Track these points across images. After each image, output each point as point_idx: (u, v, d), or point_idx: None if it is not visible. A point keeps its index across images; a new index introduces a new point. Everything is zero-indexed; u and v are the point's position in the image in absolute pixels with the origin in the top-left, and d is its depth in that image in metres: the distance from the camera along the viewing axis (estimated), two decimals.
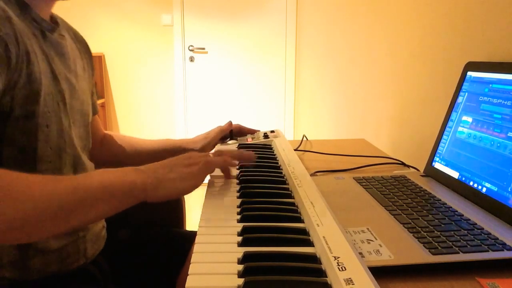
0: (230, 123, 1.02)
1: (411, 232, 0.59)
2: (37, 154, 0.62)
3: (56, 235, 0.52)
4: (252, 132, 1.06)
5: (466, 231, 0.59)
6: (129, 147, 0.96)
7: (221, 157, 0.66)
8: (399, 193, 0.75)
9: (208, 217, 0.56)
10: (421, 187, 0.78)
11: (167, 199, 0.55)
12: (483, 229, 0.60)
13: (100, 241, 0.78)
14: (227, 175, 0.72)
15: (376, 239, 0.56)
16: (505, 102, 0.72)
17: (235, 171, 0.75)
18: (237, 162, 0.73)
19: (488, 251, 0.53)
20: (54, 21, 0.74)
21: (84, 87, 0.78)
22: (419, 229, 0.60)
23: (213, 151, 0.97)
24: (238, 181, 0.70)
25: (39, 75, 0.61)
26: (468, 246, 0.54)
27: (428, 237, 0.57)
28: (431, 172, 0.87)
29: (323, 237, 0.47)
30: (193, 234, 0.92)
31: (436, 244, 0.55)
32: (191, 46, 3.12)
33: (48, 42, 0.68)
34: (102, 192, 0.51)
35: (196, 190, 0.60)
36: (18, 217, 0.44)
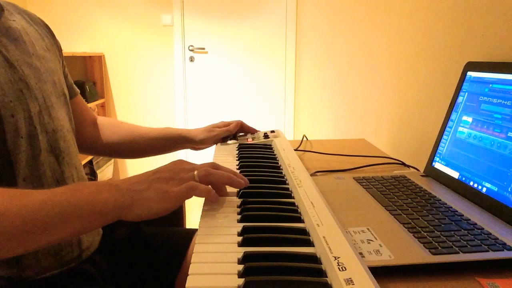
0: (236, 124, 0.99)
1: (411, 232, 0.59)
2: (8, 145, 0.60)
3: (21, 254, 0.49)
4: (253, 131, 1.05)
5: (466, 231, 0.59)
6: (127, 134, 0.93)
7: (206, 189, 0.54)
8: (399, 193, 0.75)
9: (208, 217, 0.56)
10: (421, 187, 0.78)
11: (143, 220, 0.51)
12: (483, 229, 0.60)
13: (94, 234, 0.77)
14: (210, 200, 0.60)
15: (376, 239, 0.56)
16: (505, 102, 0.72)
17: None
18: (218, 199, 0.60)
19: (488, 251, 0.53)
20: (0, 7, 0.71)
21: (52, 67, 0.75)
22: (419, 229, 0.60)
23: (213, 147, 0.97)
24: None
25: None
26: (468, 246, 0.54)
27: (428, 237, 0.57)
28: (431, 172, 0.87)
29: (323, 237, 0.47)
30: (191, 232, 0.92)
31: (436, 244, 0.55)
32: (191, 46, 3.12)
33: None
34: (70, 212, 0.47)
35: None
36: None
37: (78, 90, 0.89)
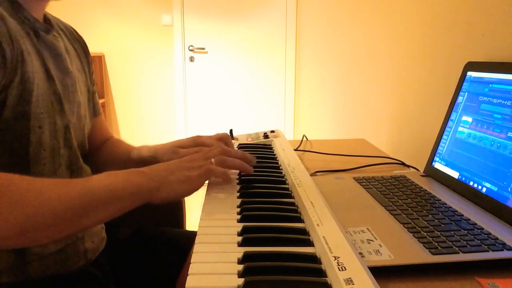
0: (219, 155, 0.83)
1: (411, 232, 0.59)
2: (30, 156, 0.61)
3: (63, 238, 0.55)
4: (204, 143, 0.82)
5: (466, 231, 0.59)
6: (123, 155, 0.89)
7: (223, 170, 0.65)
8: (399, 193, 0.75)
9: (208, 217, 0.56)
10: (421, 187, 0.78)
11: (169, 201, 0.57)
12: (483, 229, 0.60)
13: (100, 241, 0.77)
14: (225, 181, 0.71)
15: (376, 239, 0.56)
16: (505, 102, 0.72)
17: (234, 172, 0.74)
18: (235, 178, 0.71)
19: (488, 251, 0.53)
20: (48, 22, 0.73)
21: (81, 89, 0.77)
22: (419, 229, 0.60)
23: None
24: (238, 181, 0.70)
25: (32, 74, 0.60)
26: (468, 246, 0.54)
27: (428, 237, 0.57)
28: (431, 172, 0.87)
29: (323, 237, 0.47)
30: (193, 234, 0.92)
31: (436, 244, 0.55)
32: (191, 46, 3.12)
33: (42, 42, 0.67)
34: (109, 196, 0.52)
35: None
36: (24, 223, 0.45)
37: (100, 111, 0.90)
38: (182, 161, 0.62)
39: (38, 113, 0.62)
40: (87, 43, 0.87)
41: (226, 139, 0.79)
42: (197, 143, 0.78)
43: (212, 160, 0.65)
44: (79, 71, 0.78)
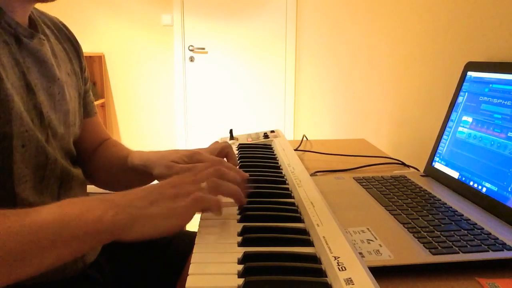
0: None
1: (411, 232, 0.59)
2: (14, 175, 0.56)
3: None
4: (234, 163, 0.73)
5: (466, 231, 0.59)
6: (117, 159, 0.82)
7: (215, 199, 0.51)
8: (399, 193, 0.75)
9: (207, 217, 0.56)
10: (421, 187, 0.78)
11: (145, 239, 0.44)
12: (483, 229, 0.60)
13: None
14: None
15: (376, 239, 0.56)
16: (505, 102, 0.72)
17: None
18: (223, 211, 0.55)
19: (488, 251, 0.53)
20: (32, 24, 0.66)
21: (71, 94, 0.72)
22: (419, 229, 0.60)
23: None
24: None
25: (10, 91, 0.54)
26: (468, 246, 0.54)
27: (428, 237, 0.57)
28: (431, 172, 0.87)
29: (323, 237, 0.47)
30: (193, 234, 0.92)
31: (436, 244, 0.55)
32: (191, 46, 3.12)
33: (24, 49, 0.60)
34: (59, 232, 0.40)
35: None
36: None
37: (96, 111, 0.84)
38: (166, 186, 0.50)
39: (22, 132, 0.57)
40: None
41: (226, 150, 0.69)
42: (194, 160, 0.68)
43: (204, 184, 0.52)
44: (68, 75, 0.73)
